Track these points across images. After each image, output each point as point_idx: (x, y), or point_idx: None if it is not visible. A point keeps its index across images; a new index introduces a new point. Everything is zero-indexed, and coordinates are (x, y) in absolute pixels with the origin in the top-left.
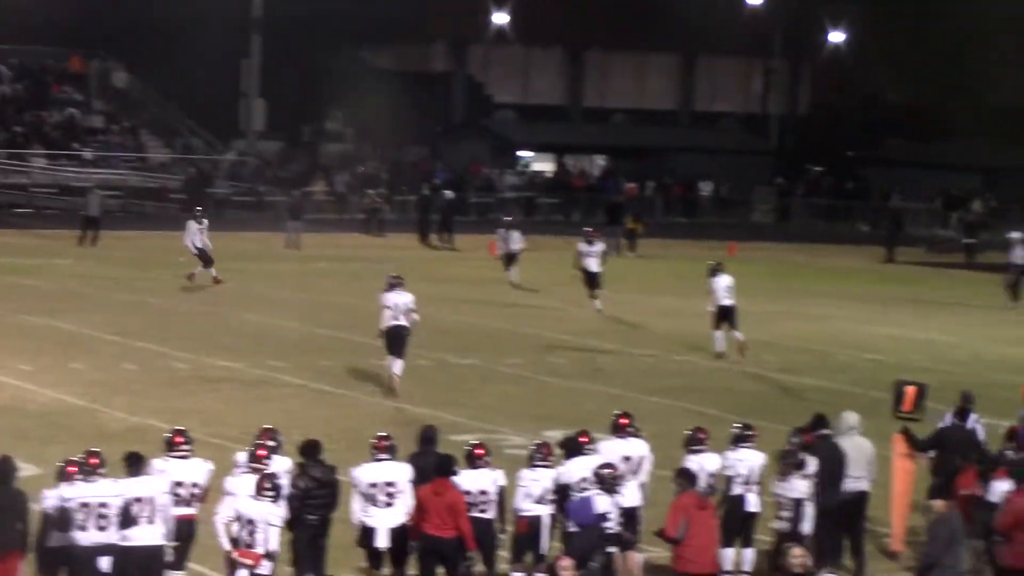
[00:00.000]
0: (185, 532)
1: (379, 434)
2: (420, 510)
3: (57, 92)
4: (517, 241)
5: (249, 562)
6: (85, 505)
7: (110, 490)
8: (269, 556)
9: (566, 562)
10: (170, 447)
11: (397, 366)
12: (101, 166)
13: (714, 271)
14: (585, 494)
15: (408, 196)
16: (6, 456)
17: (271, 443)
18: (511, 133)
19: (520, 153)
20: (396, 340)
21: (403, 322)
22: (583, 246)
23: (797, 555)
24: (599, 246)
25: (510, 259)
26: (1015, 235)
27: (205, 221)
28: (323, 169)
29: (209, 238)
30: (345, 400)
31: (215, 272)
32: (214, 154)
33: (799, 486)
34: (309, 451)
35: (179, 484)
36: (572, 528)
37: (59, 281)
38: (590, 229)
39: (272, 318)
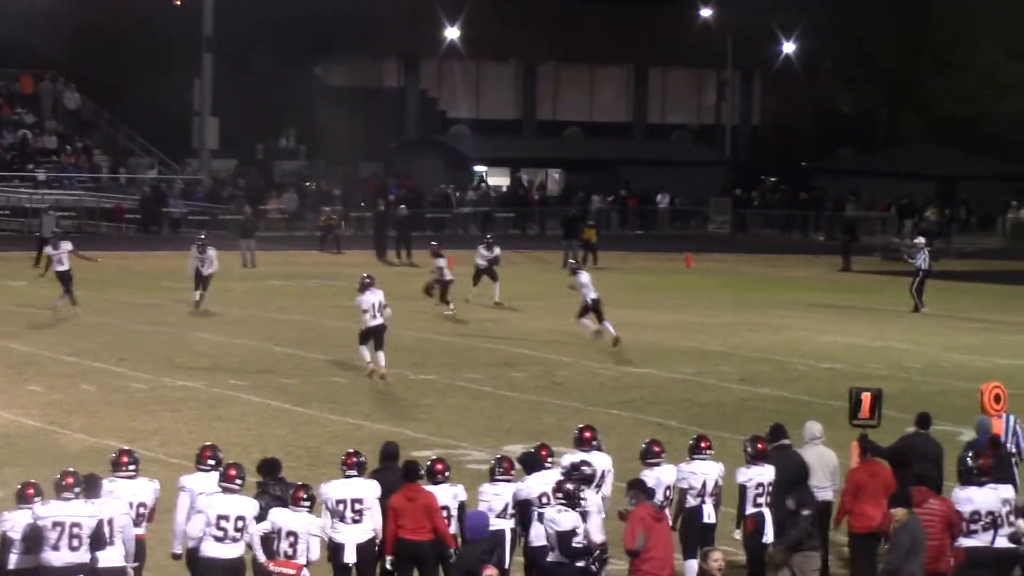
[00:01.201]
0: (138, 552)
1: (349, 451)
2: (395, 518)
3: (9, 114)
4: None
5: (290, 571)
6: (58, 524)
7: (84, 510)
8: (308, 565)
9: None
10: (116, 467)
11: (381, 358)
12: (54, 187)
13: (575, 270)
14: (482, 508)
15: (364, 212)
16: None
17: (211, 461)
18: (466, 148)
19: (475, 168)
20: (377, 336)
21: (380, 320)
22: (482, 250)
23: (716, 559)
24: (496, 251)
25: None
26: (919, 240)
27: (209, 251)
28: (277, 187)
29: (204, 264)
30: (304, 418)
31: (197, 297)
32: (167, 173)
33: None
34: (269, 469)
35: (128, 504)
36: (468, 539)
37: (13, 302)
38: (489, 236)
39: (229, 337)
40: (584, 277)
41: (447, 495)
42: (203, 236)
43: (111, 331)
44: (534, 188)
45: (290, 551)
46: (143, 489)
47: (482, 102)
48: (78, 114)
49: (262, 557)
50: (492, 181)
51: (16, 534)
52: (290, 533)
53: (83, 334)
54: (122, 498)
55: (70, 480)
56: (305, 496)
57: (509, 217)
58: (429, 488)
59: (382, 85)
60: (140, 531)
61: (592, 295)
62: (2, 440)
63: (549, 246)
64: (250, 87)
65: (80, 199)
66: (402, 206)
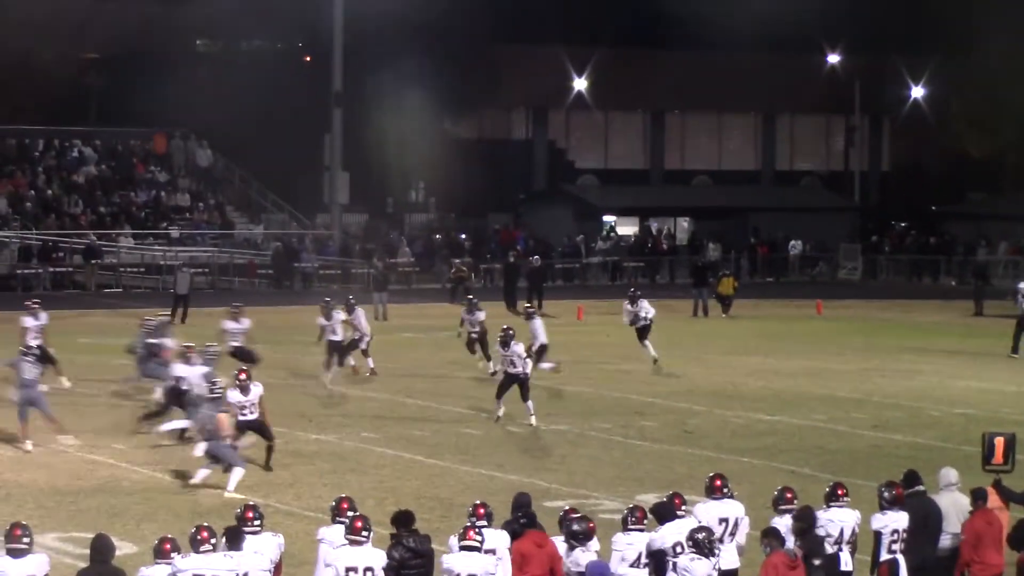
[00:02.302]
0: None
1: (476, 503)
2: (522, 563)
3: (143, 172)
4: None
5: None
6: None
7: (223, 564)
8: None
9: None
10: (241, 523)
11: (530, 407)
12: (188, 244)
13: (530, 315)
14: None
15: (493, 264)
16: (103, 534)
17: (350, 513)
18: (594, 198)
19: (604, 217)
20: (522, 386)
21: (519, 370)
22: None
23: None
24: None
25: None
26: (1021, 286)
27: (336, 315)
28: (408, 240)
29: (346, 327)
30: (437, 469)
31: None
32: (299, 228)
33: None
34: (403, 521)
35: (267, 560)
36: None
37: None
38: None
39: (362, 390)
40: (537, 323)
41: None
42: (327, 299)
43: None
44: (663, 237)
45: None
46: (267, 544)
47: (610, 152)
48: (210, 171)
49: None
50: (620, 230)
51: None
52: (489, 551)
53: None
54: (263, 553)
55: (204, 534)
56: (477, 532)
57: (638, 266)
58: (560, 539)
59: (510, 136)
60: None
61: (542, 341)
62: (139, 496)
63: (678, 295)
64: (380, 141)
65: (213, 255)
66: (535, 256)
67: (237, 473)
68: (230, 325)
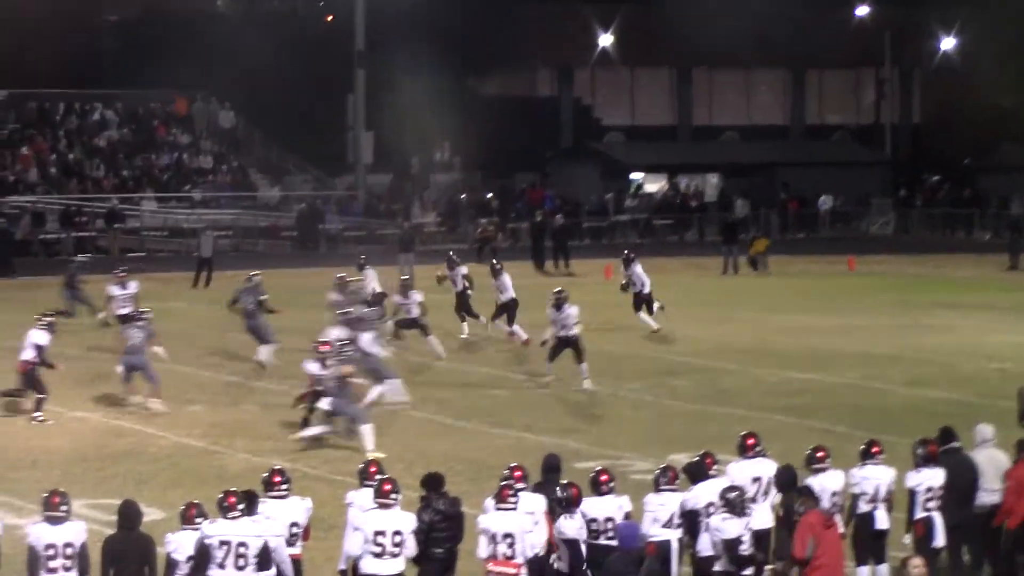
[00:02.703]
0: (296, 572)
1: (512, 464)
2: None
3: (164, 135)
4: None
5: (511, 571)
6: (225, 543)
7: (251, 529)
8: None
9: None
10: (268, 487)
11: (584, 369)
12: (211, 207)
13: (497, 271)
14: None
15: (520, 223)
16: (130, 500)
17: (378, 476)
18: (621, 155)
19: (631, 175)
20: (575, 347)
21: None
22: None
23: (916, 565)
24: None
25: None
26: None
27: (462, 267)
28: (432, 200)
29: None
30: (466, 432)
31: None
32: (323, 190)
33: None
34: (432, 483)
35: (282, 525)
36: (623, 548)
37: (174, 324)
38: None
39: (389, 353)
40: (506, 278)
41: (613, 506)
42: (452, 252)
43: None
44: (691, 193)
45: (508, 551)
46: (296, 508)
47: (637, 108)
48: (232, 133)
49: (483, 554)
50: (648, 187)
51: (180, 555)
52: (507, 535)
53: (243, 354)
54: (276, 519)
55: (232, 500)
56: (512, 494)
57: (667, 223)
58: (594, 499)
59: (536, 94)
60: (296, 551)
61: (509, 295)
62: (166, 461)
63: (708, 252)
64: (404, 100)
65: (237, 218)
66: (558, 215)
67: (368, 430)
68: (115, 291)
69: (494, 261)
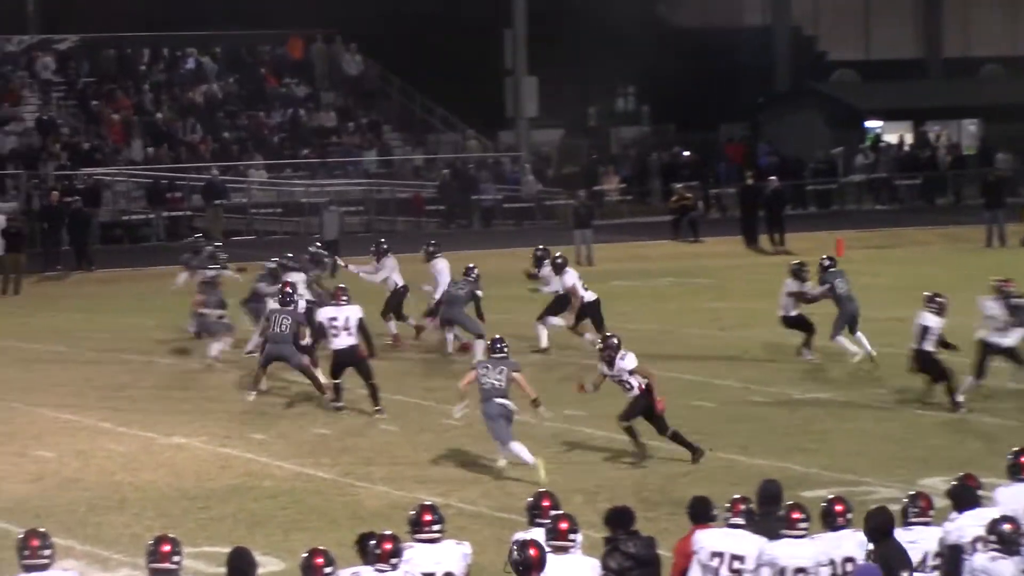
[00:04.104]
0: None
1: (735, 496)
2: None
3: (276, 86)
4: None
5: None
6: None
7: None
8: None
9: None
10: (416, 527)
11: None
12: (336, 176)
13: (431, 254)
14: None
15: (726, 188)
16: (242, 548)
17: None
18: (853, 98)
19: (866, 123)
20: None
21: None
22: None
23: None
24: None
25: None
26: None
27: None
28: (614, 161)
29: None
30: (662, 453)
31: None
32: (476, 150)
33: None
34: (620, 520)
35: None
36: None
37: None
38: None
39: (560, 354)
40: (441, 264)
41: (851, 543)
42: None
43: (412, 355)
44: (943, 146)
45: None
46: (449, 555)
47: (872, 39)
48: (361, 82)
49: None
50: (888, 138)
51: None
52: (735, 557)
53: (378, 362)
54: (419, 567)
55: (387, 546)
56: (744, 508)
57: (913, 184)
58: (827, 536)
59: (743, 24)
60: None
61: (444, 286)
62: (285, 498)
63: (965, 220)
64: (576, 36)
65: (368, 189)
66: (772, 177)
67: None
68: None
69: (558, 256)
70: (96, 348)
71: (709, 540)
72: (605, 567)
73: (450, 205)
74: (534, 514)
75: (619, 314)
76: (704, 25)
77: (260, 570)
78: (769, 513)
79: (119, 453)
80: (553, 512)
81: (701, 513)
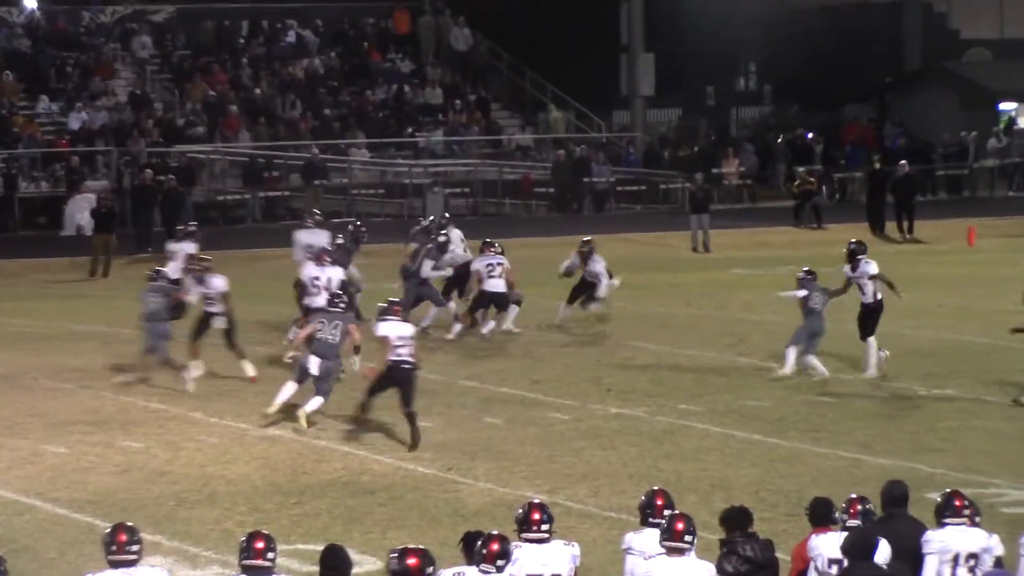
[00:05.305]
0: None
1: (852, 496)
2: None
3: (380, 60)
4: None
5: None
6: None
7: None
8: None
9: None
10: (524, 526)
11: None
12: (441, 156)
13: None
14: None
15: (852, 172)
16: (336, 545)
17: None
18: (987, 79)
19: (1000, 105)
20: None
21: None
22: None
23: None
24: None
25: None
26: None
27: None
28: (734, 143)
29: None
30: (781, 452)
31: None
32: (594, 131)
33: None
34: (737, 521)
35: None
36: None
37: None
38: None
39: (675, 345)
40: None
41: (975, 541)
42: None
43: (518, 346)
44: None
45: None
46: (557, 556)
47: (1007, 16)
48: (470, 57)
49: None
50: (1023, 122)
51: None
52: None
53: (481, 350)
54: (526, 569)
55: (495, 547)
56: (862, 509)
57: None
58: (943, 532)
59: (871, 0)
60: None
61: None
62: (383, 494)
63: None
64: (695, 11)
65: (475, 170)
66: (902, 162)
67: None
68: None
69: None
70: (187, 334)
71: (827, 546)
72: (721, 570)
73: (561, 187)
74: (647, 513)
75: (740, 304)
76: (829, 2)
77: (356, 569)
78: (893, 515)
79: (210, 445)
80: (668, 512)
81: (821, 515)
